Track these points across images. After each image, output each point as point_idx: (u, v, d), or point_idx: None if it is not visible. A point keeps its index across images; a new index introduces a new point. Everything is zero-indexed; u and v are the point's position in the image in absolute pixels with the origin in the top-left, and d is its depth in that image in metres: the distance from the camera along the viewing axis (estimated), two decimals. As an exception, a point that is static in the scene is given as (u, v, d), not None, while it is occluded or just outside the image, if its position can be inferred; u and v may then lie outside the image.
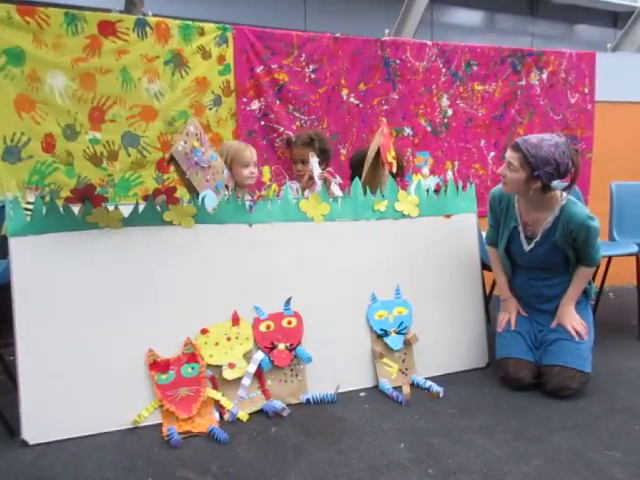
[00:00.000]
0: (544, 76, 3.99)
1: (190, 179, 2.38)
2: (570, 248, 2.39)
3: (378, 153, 2.67)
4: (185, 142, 2.38)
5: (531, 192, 2.33)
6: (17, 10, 2.76)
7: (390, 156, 2.67)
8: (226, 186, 2.45)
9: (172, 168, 2.54)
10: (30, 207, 2.07)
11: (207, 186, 2.40)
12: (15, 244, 2.05)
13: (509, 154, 2.34)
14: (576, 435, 2.06)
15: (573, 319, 2.43)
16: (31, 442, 2.02)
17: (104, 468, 1.88)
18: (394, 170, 2.70)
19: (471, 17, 12.64)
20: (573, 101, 4.08)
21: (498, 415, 2.22)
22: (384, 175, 2.64)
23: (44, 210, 2.08)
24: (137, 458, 1.94)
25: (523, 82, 3.94)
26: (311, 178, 2.75)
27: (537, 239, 2.43)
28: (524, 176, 2.30)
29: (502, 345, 2.54)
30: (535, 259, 2.47)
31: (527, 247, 2.47)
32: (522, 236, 2.48)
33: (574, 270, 2.45)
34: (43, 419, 2.04)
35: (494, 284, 3.15)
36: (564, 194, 2.39)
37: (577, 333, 2.39)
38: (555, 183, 2.35)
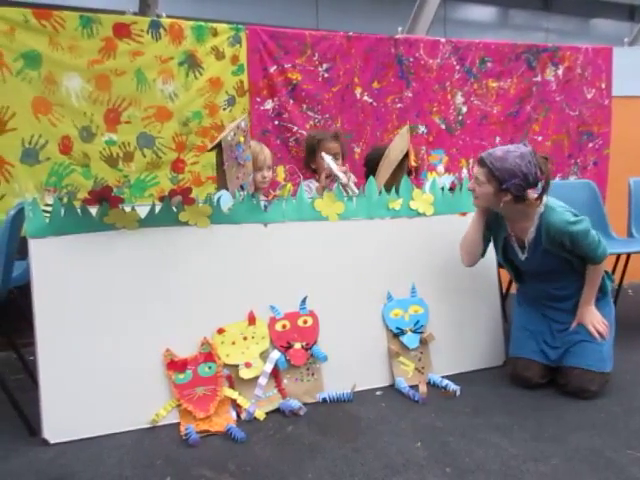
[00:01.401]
0: (560, 72, 3.94)
1: (226, 170, 2.41)
2: (564, 252, 2.32)
3: (404, 157, 2.67)
4: (234, 134, 2.42)
5: (502, 205, 2.29)
6: (33, 14, 2.79)
7: (412, 160, 2.68)
8: (241, 187, 2.46)
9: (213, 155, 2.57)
10: (49, 209, 2.10)
11: (236, 183, 2.43)
12: (34, 245, 2.08)
13: (476, 169, 2.31)
14: (595, 434, 2.04)
15: (594, 319, 2.37)
16: (51, 441, 2.04)
17: (123, 466, 1.90)
18: (413, 173, 2.71)
19: (484, 13, 12.56)
20: (590, 97, 4.03)
21: (515, 414, 2.21)
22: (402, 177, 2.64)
23: (62, 212, 2.11)
24: (155, 457, 1.96)
25: (538, 78, 3.90)
26: (328, 177, 2.74)
27: (527, 248, 2.40)
28: (492, 190, 2.26)
29: (513, 344, 2.54)
30: (534, 267, 2.43)
31: (522, 256, 2.43)
32: (516, 245, 2.44)
33: (581, 268, 2.37)
34: (63, 418, 2.06)
35: (510, 282, 3.13)
36: (544, 202, 2.31)
37: (599, 333, 2.35)
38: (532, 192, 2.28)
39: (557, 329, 2.45)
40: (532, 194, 2.27)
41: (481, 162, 2.28)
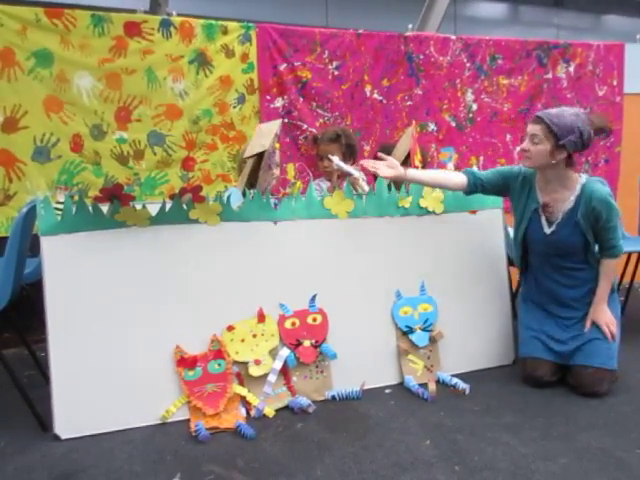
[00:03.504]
0: (571, 69, 3.92)
1: (260, 175, 2.43)
2: (591, 230, 2.32)
3: (407, 156, 2.67)
4: (273, 142, 2.45)
5: (555, 162, 2.29)
6: (45, 12, 2.81)
7: (417, 159, 2.67)
8: (251, 184, 2.47)
9: (249, 160, 2.57)
10: (60, 206, 2.12)
11: (263, 186, 2.47)
12: (46, 243, 2.10)
13: (531, 127, 2.31)
14: (605, 434, 2.03)
15: (607, 319, 2.37)
16: (63, 437, 2.07)
17: (134, 462, 1.92)
18: None
19: (495, 9, 12.47)
20: (601, 94, 4.00)
21: (525, 413, 2.21)
22: None
23: (74, 209, 2.13)
24: (165, 452, 1.97)
25: (549, 75, 3.87)
26: (340, 177, 2.75)
27: (558, 220, 2.38)
28: (549, 147, 2.27)
29: (522, 344, 2.53)
30: (556, 242, 2.40)
31: (548, 230, 2.41)
32: (543, 219, 2.43)
33: (594, 261, 2.38)
34: (74, 414, 2.09)
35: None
36: (583, 175, 2.38)
37: (611, 334, 2.35)
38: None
39: (564, 324, 2.44)
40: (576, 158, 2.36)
41: (538, 120, 2.30)
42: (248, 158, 2.51)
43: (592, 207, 2.29)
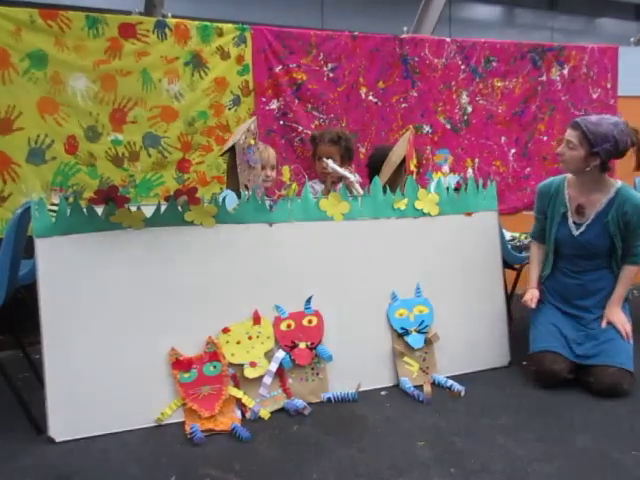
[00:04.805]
0: (565, 71, 3.94)
1: (239, 174, 2.42)
2: (619, 234, 2.38)
3: (402, 160, 2.68)
4: (245, 137, 2.44)
5: (589, 169, 2.36)
6: (40, 14, 2.80)
7: (412, 164, 2.68)
8: (245, 186, 2.47)
9: (223, 158, 2.60)
10: (55, 208, 2.11)
11: (249, 185, 2.45)
12: (41, 244, 2.09)
13: (568, 132, 2.39)
14: (601, 436, 2.03)
15: (622, 319, 2.43)
16: (57, 439, 2.05)
17: (129, 465, 1.91)
18: (414, 177, 2.71)
19: (490, 12, 12.54)
20: (595, 96, 4.02)
21: (520, 415, 2.21)
22: (404, 178, 2.64)
23: (68, 211, 2.12)
24: (161, 455, 1.96)
25: (544, 78, 3.89)
26: (334, 182, 2.75)
27: (589, 222, 2.43)
28: (583, 153, 2.34)
29: (538, 338, 2.51)
30: (583, 243, 2.44)
31: (576, 232, 2.45)
32: (570, 221, 2.48)
33: (617, 267, 2.45)
34: (69, 417, 2.07)
35: (515, 282, 3.12)
36: (618, 180, 2.45)
37: (626, 334, 2.40)
38: None
39: (580, 324, 2.48)
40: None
41: (575, 125, 2.36)
42: (221, 155, 2.50)
43: (624, 211, 2.35)
